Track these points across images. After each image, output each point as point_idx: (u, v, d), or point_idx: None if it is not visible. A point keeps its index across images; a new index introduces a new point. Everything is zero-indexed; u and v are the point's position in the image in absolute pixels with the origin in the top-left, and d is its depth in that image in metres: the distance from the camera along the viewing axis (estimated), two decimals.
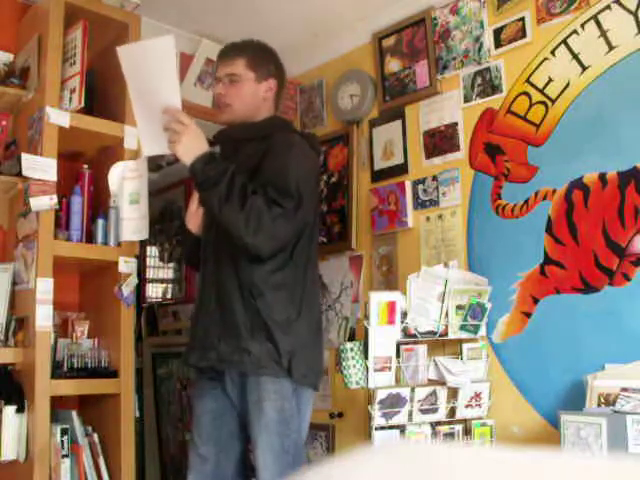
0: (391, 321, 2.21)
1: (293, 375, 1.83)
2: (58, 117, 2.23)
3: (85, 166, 2.44)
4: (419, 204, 2.75)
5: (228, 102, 1.99)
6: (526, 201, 2.40)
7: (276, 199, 1.78)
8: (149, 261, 4.39)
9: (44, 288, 2.13)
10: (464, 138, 2.63)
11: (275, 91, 2.06)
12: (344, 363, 2.22)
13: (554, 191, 2.33)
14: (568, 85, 2.33)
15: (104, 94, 2.49)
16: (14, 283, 2.27)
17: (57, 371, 2.19)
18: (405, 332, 2.25)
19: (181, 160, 1.81)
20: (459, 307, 2.30)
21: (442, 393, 2.27)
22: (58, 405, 2.21)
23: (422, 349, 2.32)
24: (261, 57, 2.05)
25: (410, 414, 2.21)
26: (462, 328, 2.32)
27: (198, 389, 2.02)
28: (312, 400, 1.97)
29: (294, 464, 1.83)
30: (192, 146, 1.79)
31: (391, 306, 2.21)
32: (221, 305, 1.90)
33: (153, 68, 1.79)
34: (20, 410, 2.09)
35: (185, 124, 1.79)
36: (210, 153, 1.81)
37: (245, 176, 1.82)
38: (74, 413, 2.25)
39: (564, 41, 2.35)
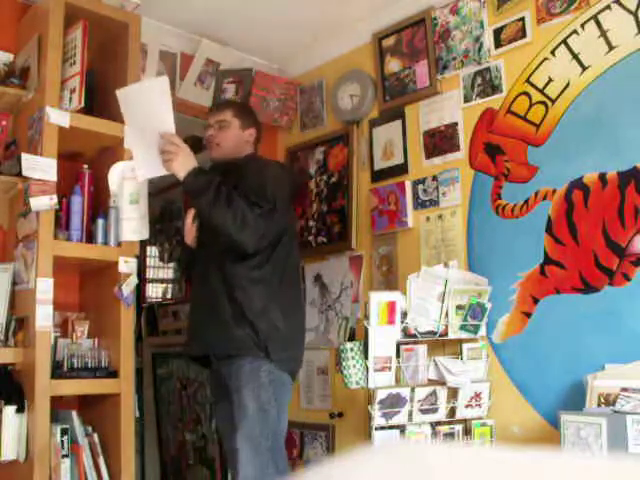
0: (391, 321, 2.21)
1: (271, 357, 2.10)
2: (58, 117, 2.23)
3: (85, 166, 2.44)
4: (419, 204, 2.75)
5: (217, 142, 2.36)
6: (526, 201, 2.40)
7: (255, 201, 2.12)
8: (149, 261, 4.39)
9: (44, 288, 2.13)
10: (464, 138, 2.63)
11: (255, 138, 2.45)
12: (344, 363, 2.22)
13: (554, 191, 2.33)
14: (568, 85, 2.33)
15: (104, 94, 2.49)
16: (14, 283, 2.27)
17: (57, 371, 2.19)
18: (405, 332, 2.25)
19: (176, 175, 2.12)
20: (459, 307, 2.30)
21: (442, 393, 2.27)
22: (58, 405, 2.21)
23: (422, 349, 2.32)
24: (245, 111, 2.50)
25: (410, 414, 2.21)
26: (462, 328, 2.32)
27: (213, 392, 2.41)
28: (290, 390, 2.21)
29: (273, 449, 2.06)
30: (185, 163, 2.12)
31: (391, 306, 2.21)
32: (209, 300, 2.22)
33: (150, 103, 2.13)
34: (20, 410, 2.09)
35: (179, 146, 2.12)
36: (199, 167, 2.14)
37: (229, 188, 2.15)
38: (74, 413, 2.25)
39: (564, 41, 2.35)
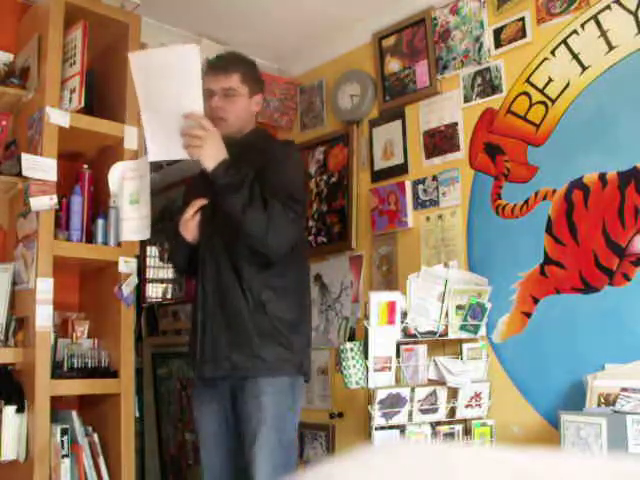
0: (391, 321, 2.21)
1: (304, 371, 1.97)
2: (58, 117, 2.22)
3: (85, 166, 2.44)
4: (419, 204, 2.75)
5: (223, 116, 2.00)
6: (526, 201, 2.40)
7: (289, 205, 1.88)
8: (149, 261, 4.39)
9: (44, 288, 2.13)
10: (464, 138, 2.63)
11: (261, 105, 2.16)
12: (344, 363, 2.22)
13: (554, 191, 2.33)
14: (568, 85, 2.33)
15: (104, 94, 2.49)
16: (14, 283, 2.27)
17: (57, 371, 2.19)
18: (405, 332, 2.25)
19: (203, 164, 1.85)
20: (459, 307, 2.30)
21: (442, 393, 2.26)
22: (58, 405, 2.21)
23: (422, 349, 2.32)
24: (253, 73, 2.10)
25: (410, 414, 2.21)
26: (462, 328, 2.32)
27: (199, 406, 2.08)
28: (304, 393, 2.10)
29: (288, 459, 1.92)
30: (214, 152, 1.85)
31: (391, 306, 2.21)
32: (227, 314, 1.94)
33: (174, 75, 1.82)
34: (20, 410, 2.09)
35: (209, 130, 1.84)
36: (230, 159, 1.87)
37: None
38: (74, 413, 2.25)
39: (564, 41, 2.35)
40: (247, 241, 1.90)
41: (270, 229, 1.83)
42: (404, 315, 2.24)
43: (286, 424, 1.92)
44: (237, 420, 1.96)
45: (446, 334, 2.30)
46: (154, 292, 4.38)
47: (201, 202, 2.03)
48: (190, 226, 2.04)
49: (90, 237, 2.34)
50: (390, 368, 2.21)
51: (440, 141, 2.71)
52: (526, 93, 2.44)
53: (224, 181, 1.83)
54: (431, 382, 2.29)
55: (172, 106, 1.84)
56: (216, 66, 2.05)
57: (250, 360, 1.90)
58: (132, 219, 2.33)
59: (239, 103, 2.03)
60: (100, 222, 2.35)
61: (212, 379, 1.98)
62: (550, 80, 2.38)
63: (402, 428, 2.21)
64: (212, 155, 1.84)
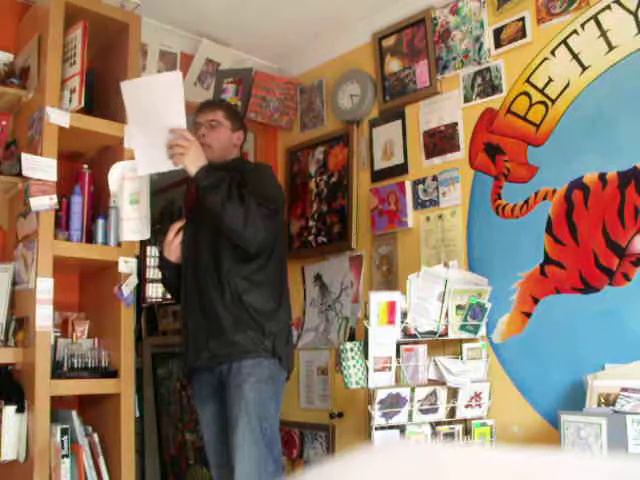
0: (391, 321, 2.21)
1: (277, 354, 2.14)
2: (58, 117, 2.22)
3: (85, 166, 2.44)
4: (419, 204, 2.75)
5: (208, 143, 2.30)
6: (526, 201, 2.40)
7: (262, 202, 2.14)
8: (149, 261, 4.39)
9: (44, 288, 2.13)
10: (464, 138, 2.63)
11: (242, 140, 2.46)
12: (344, 363, 2.22)
13: (554, 191, 2.33)
14: (568, 85, 2.33)
15: (104, 94, 2.49)
16: (14, 283, 2.27)
17: (57, 371, 2.19)
18: (405, 332, 2.25)
19: (187, 170, 2.12)
20: (459, 307, 2.30)
21: (442, 393, 2.26)
22: (58, 405, 2.21)
23: (422, 349, 2.32)
24: (235, 113, 2.51)
25: (410, 414, 2.21)
26: (462, 328, 2.32)
27: (199, 406, 2.31)
28: (284, 389, 2.24)
29: (271, 445, 2.08)
30: (196, 158, 2.12)
31: (391, 306, 2.21)
32: (204, 308, 2.19)
33: (160, 97, 2.10)
34: (20, 410, 2.09)
35: (191, 140, 2.12)
36: (210, 164, 2.15)
37: None
38: (74, 413, 2.25)
39: (564, 41, 2.35)
40: (227, 235, 2.14)
41: (248, 222, 2.07)
42: (404, 315, 2.24)
43: (267, 412, 2.09)
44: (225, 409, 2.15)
45: (446, 334, 2.30)
46: (154, 292, 4.38)
47: (179, 224, 2.35)
48: (173, 247, 2.33)
49: (90, 237, 2.34)
50: (390, 368, 2.21)
51: (440, 141, 2.71)
52: (526, 93, 2.44)
53: (205, 182, 2.10)
54: (431, 382, 2.29)
55: (159, 124, 2.11)
56: (205, 105, 2.46)
57: (226, 347, 2.13)
58: (132, 219, 2.33)
59: (222, 133, 2.36)
60: (100, 222, 2.35)
61: (198, 370, 2.22)
62: (550, 80, 2.38)
63: (402, 428, 2.21)
64: (194, 161, 2.11)
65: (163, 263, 2.41)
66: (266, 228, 2.13)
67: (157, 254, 4.37)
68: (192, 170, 2.11)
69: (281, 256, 2.33)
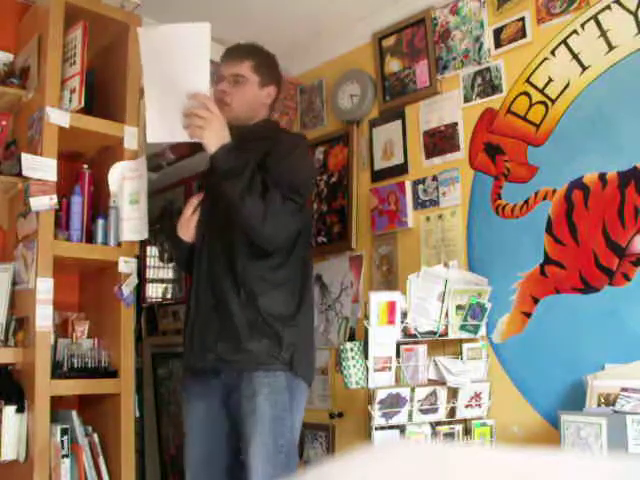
0: (391, 321, 2.21)
1: (294, 368, 1.86)
2: (58, 117, 2.22)
3: (85, 166, 2.44)
4: (419, 204, 2.75)
5: (228, 101, 2.00)
6: (526, 201, 2.40)
7: (289, 195, 1.84)
8: (149, 261, 4.39)
9: (44, 288, 2.13)
10: (464, 138, 2.63)
11: (274, 98, 2.11)
12: (344, 363, 2.22)
13: (554, 191, 2.33)
14: (568, 85, 2.33)
15: (104, 94, 2.49)
16: (14, 283, 2.26)
17: (57, 371, 2.19)
18: (405, 332, 2.24)
19: (205, 146, 1.81)
20: (459, 307, 2.30)
21: (442, 393, 2.26)
22: (58, 405, 2.21)
23: (422, 349, 2.32)
24: (267, 63, 2.09)
25: (410, 414, 2.21)
26: (462, 328, 2.32)
27: (187, 398, 2.01)
28: (306, 398, 1.98)
29: (288, 463, 1.83)
30: (217, 134, 1.80)
31: (391, 306, 2.21)
32: (217, 306, 1.92)
33: (182, 53, 1.78)
34: (20, 410, 2.09)
35: (214, 112, 1.80)
36: (233, 144, 1.82)
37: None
38: (74, 413, 2.25)
39: (564, 41, 2.35)
40: (243, 230, 1.86)
41: (267, 219, 1.79)
42: (404, 315, 2.24)
43: (284, 427, 1.84)
44: (232, 421, 1.90)
45: (446, 334, 2.30)
46: (154, 292, 4.38)
47: (197, 199, 2.04)
48: (189, 225, 2.04)
49: (90, 237, 2.34)
50: (390, 368, 2.21)
51: (440, 141, 2.71)
52: (526, 93, 2.44)
53: (224, 165, 1.79)
54: (431, 382, 2.29)
55: (178, 86, 1.79)
56: (230, 53, 2.08)
57: (237, 353, 1.85)
58: (132, 219, 2.33)
59: (247, 90, 2.01)
60: (100, 222, 2.35)
61: (202, 371, 1.94)
62: (550, 80, 2.38)
63: (402, 428, 2.21)
64: (214, 137, 1.79)
65: (175, 241, 2.10)
66: (289, 226, 1.87)
67: (159, 248, 4.37)
68: (211, 148, 1.79)
69: (304, 252, 2.01)
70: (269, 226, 1.80)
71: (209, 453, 1.95)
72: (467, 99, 2.63)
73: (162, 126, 1.85)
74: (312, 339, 2.04)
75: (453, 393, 2.29)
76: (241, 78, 2.01)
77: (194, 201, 2.05)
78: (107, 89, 2.49)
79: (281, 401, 1.84)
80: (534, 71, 2.42)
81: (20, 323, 2.20)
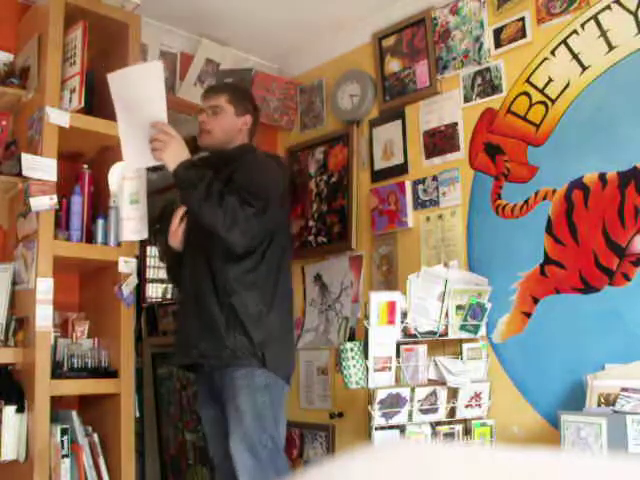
0: (391, 321, 2.21)
1: (267, 364, 2.05)
2: (58, 117, 2.22)
3: (85, 166, 2.44)
4: (419, 204, 2.75)
5: (209, 129, 2.24)
6: (526, 201, 2.40)
7: (247, 200, 2.02)
8: (149, 261, 4.39)
9: (44, 288, 2.13)
10: (464, 138, 2.63)
11: (249, 126, 2.32)
12: (344, 363, 2.22)
13: (554, 191, 2.33)
14: (568, 85, 2.33)
15: (104, 94, 2.47)
16: (14, 283, 2.27)
17: (57, 371, 2.19)
18: (405, 332, 2.24)
19: (166, 165, 2.03)
20: (459, 307, 2.30)
21: (442, 393, 2.26)
22: (58, 405, 2.21)
23: (422, 349, 2.32)
24: (240, 96, 2.34)
25: (410, 414, 2.21)
26: (462, 328, 2.32)
27: (199, 397, 2.29)
28: (285, 396, 2.16)
29: (273, 457, 2.01)
30: (176, 154, 2.02)
31: (391, 306, 2.21)
32: (199, 307, 2.12)
33: (142, 89, 2.02)
34: (20, 410, 2.09)
35: (171, 135, 2.02)
36: (191, 160, 2.05)
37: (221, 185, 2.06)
38: (74, 413, 2.25)
39: (564, 41, 2.35)
40: (214, 236, 2.02)
41: (227, 223, 1.96)
42: (404, 315, 2.24)
43: (266, 423, 2.02)
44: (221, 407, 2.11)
45: (446, 334, 2.30)
46: (154, 292, 4.38)
47: (182, 210, 2.24)
48: (177, 234, 2.25)
49: (90, 237, 2.34)
50: (390, 368, 2.21)
51: (440, 141, 2.71)
52: (526, 93, 2.44)
53: (183, 179, 2.01)
54: (431, 382, 2.29)
55: (142, 117, 2.03)
56: (209, 89, 2.39)
57: (217, 350, 2.05)
58: (132, 219, 2.33)
59: (223, 119, 2.25)
60: (100, 222, 2.35)
61: (191, 365, 2.19)
62: (550, 80, 2.38)
63: (402, 428, 2.21)
64: (173, 156, 2.01)
65: (166, 249, 2.34)
66: (251, 229, 2.01)
67: (159, 248, 4.37)
68: (170, 166, 2.01)
69: (278, 256, 2.18)
70: (230, 230, 1.97)
71: (216, 417, 2.17)
72: (467, 99, 2.63)
73: (135, 154, 2.09)
74: (286, 339, 2.21)
75: (453, 393, 2.29)
76: (218, 109, 2.25)
77: (180, 212, 2.25)
78: (107, 89, 2.48)
79: (260, 401, 2.02)
80: (534, 71, 2.42)
81: (20, 323, 2.20)
